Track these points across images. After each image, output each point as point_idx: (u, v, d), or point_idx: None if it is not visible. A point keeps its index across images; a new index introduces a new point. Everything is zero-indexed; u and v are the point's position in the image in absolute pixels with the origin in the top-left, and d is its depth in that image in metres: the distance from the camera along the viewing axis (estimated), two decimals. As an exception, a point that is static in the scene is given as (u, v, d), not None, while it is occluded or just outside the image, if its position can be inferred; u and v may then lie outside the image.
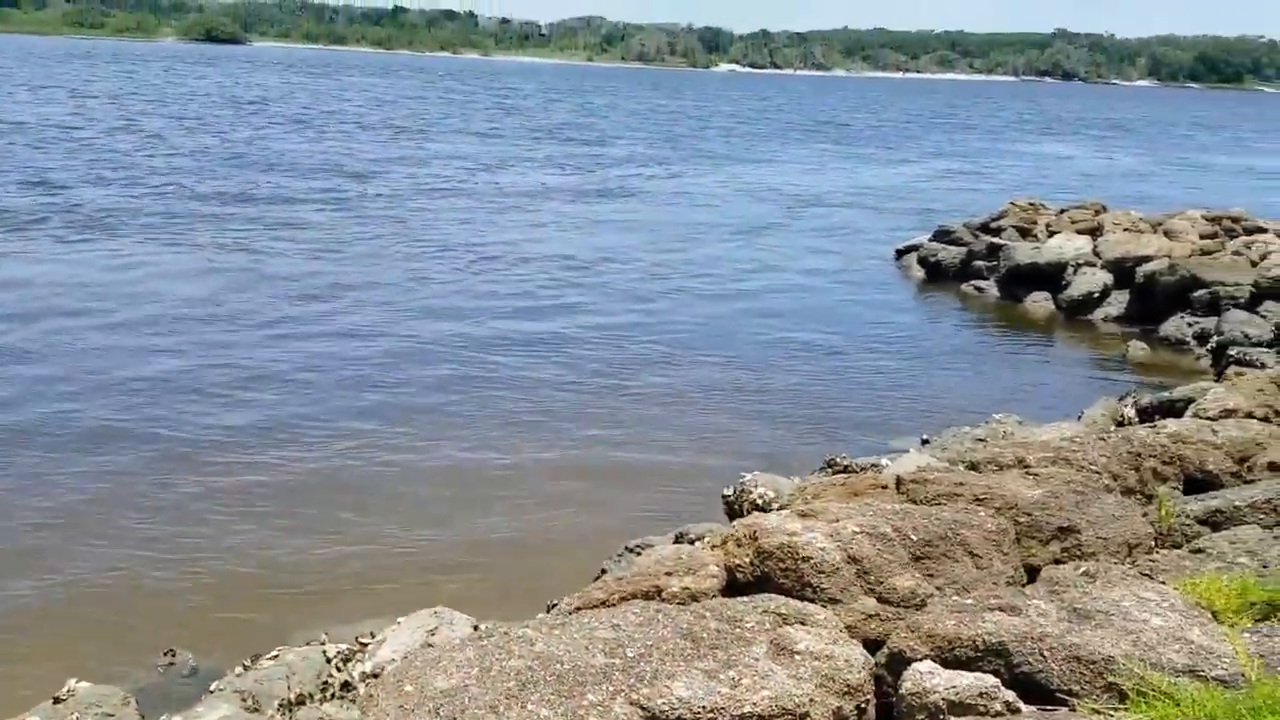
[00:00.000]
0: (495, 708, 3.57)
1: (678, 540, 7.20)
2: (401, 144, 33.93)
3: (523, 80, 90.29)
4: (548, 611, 6.21)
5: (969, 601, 4.18)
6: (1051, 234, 16.88)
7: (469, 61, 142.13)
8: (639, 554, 7.26)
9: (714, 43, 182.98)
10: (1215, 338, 12.73)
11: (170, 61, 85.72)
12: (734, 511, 7.89)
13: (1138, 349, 13.19)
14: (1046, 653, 3.72)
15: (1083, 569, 4.48)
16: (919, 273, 17.52)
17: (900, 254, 18.53)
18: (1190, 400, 8.57)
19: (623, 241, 18.88)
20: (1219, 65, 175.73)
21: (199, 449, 8.90)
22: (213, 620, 6.54)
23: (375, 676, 4.92)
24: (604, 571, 7.06)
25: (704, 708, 3.55)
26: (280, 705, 4.79)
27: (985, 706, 3.50)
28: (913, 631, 4.02)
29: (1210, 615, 4.01)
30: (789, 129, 51.72)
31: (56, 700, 5.28)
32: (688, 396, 10.76)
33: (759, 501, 7.47)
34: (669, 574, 4.86)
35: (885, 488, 5.96)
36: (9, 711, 5.29)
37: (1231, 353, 11.80)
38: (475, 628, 5.34)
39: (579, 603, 4.80)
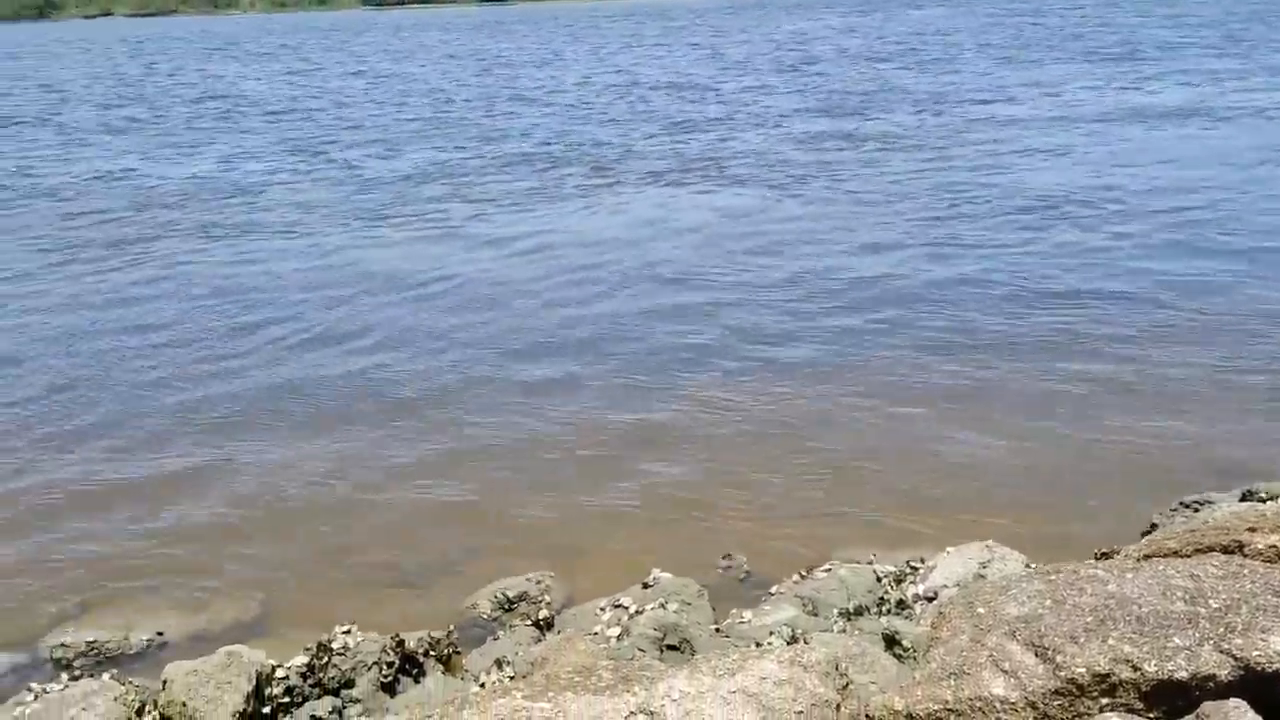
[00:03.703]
0: (1074, 638, 3.60)
1: (1244, 498, 6.64)
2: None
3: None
4: (1097, 559, 6.04)
5: None
6: None
7: None
8: (1196, 510, 6.81)
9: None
10: None
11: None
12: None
13: None
14: None
15: None
16: None
17: None
18: None
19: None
20: None
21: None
22: (760, 533, 7.15)
23: (929, 599, 5.15)
24: (1154, 526, 6.71)
25: (1310, 667, 3.32)
26: (840, 613, 5.17)
27: None
28: None
29: None
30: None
31: (645, 585, 6.14)
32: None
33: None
34: (1252, 529, 4.53)
35: None
36: (608, 590, 6.23)
37: None
38: (1028, 565, 5.35)
39: (1148, 550, 4.63)
